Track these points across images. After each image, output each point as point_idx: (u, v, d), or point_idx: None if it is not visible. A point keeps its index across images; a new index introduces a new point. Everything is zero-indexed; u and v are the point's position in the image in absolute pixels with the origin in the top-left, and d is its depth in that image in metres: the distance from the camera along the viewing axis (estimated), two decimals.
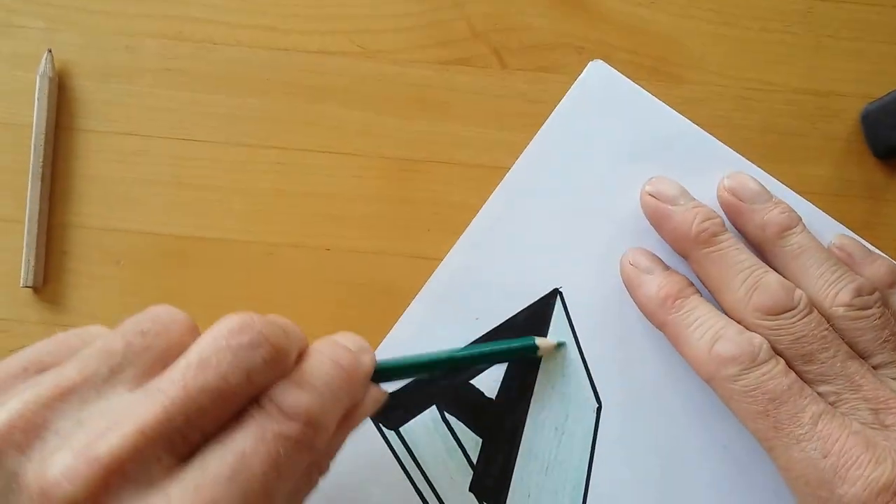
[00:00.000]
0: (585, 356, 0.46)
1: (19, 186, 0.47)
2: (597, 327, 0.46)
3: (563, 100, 0.47)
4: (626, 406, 0.45)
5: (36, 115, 0.47)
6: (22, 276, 0.47)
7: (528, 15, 0.49)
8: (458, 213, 0.47)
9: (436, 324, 0.46)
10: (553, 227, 0.47)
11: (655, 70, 0.48)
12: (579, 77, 0.48)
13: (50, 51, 0.48)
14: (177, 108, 0.48)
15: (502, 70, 0.49)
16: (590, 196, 0.47)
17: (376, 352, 0.45)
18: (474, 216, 0.47)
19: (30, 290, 0.47)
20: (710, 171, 0.46)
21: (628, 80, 0.47)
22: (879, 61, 0.48)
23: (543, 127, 0.47)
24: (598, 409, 0.45)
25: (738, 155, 0.46)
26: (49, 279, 0.47)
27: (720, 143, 0.47)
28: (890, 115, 0.46)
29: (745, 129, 0.48)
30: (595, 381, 0.45)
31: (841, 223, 0.45)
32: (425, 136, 0.48)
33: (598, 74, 0.48)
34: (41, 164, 0.47)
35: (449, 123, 0.48)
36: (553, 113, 0.47)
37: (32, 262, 0.46)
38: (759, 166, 0.47)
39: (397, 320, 0.46)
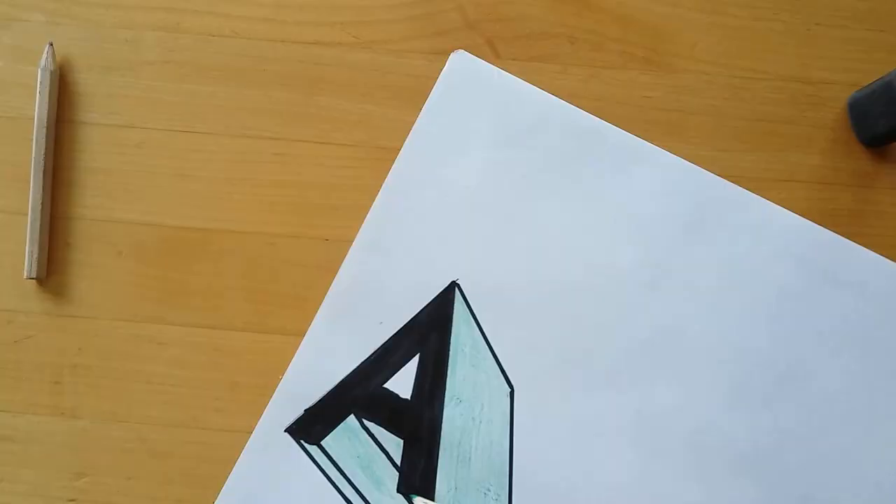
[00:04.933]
0: (491, 343, 0.46)
1: (22, 179, 0.48)
2: (499, 313, 0.47)
3: (430, 95, 0.48)
4: (538, 385, 0.46)
5: (38, 107, 0.48)
6: (26, 268, 0.47)
7: (521, 4, 0.50)
8: None
9: (340, 336, 0.47)
10: (441, 222, 0.47)
11: (647, 59, 0.49)
12: (443, 70, 0.48)
13: (51, 44, 0.49)
14: (176, 101, 0.49)
15: (496, 59, 0.49)
16: (472, 185, 0.47)
17: (288, 372, 0.46)
18: None
19: (34, 281, 0.48)
20: (584, 147, 0.47)
21: (493, 66, 0.48)
22: (867, 49, 0.49)
23: (414, 127, 0.48)
24: (511, 393, 0.46)
25: (607, 124, 0.47)
26: (52, 270, 0.48)
27: (588, 114, 0.47)
28: (876, 103, 0.46)
29: (735, 117, 0.48)
30: (504, 367, 0.46)
31: (827, 211, 0.47)
32: None
33: (461, 65, 0.48)
34: (43, 156, 0.48)
35: None
36: (422, 109, 0.48)
37: (36, 254, 0.47)
38: (749, 154, 0.48)
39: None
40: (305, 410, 0.46)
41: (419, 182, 0.47)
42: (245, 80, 0.49)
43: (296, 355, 0.46)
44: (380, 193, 0.47)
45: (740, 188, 0.47)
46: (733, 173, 0.47)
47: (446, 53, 0.49)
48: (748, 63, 0.49)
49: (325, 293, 0.47)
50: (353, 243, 0.47)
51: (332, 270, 0.47)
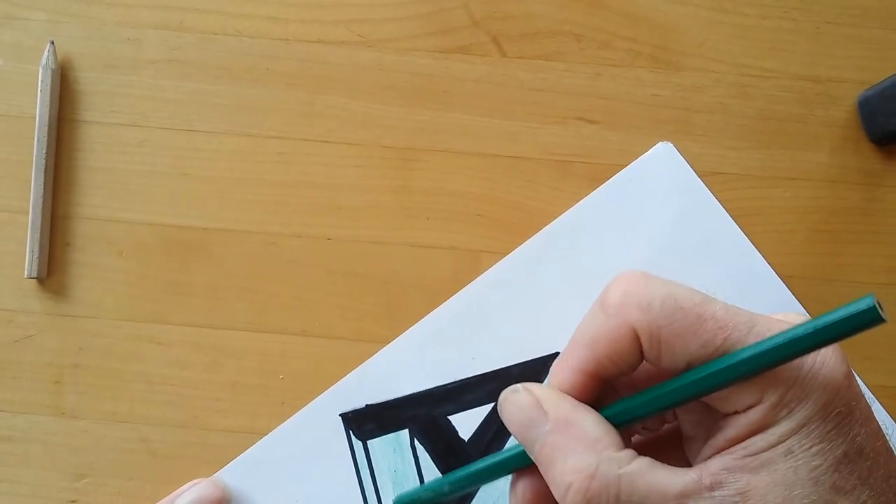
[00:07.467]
0: None
1: (23, 178, 0.48)
2: None
3: (621, 171, 0.47)
4: None
5: (39, 106, 0.48)
6: (26, 267, 0.47)
7: (527, 2, 0.49)
8: (457, 202, 0.48)
9: (432, 350, 0.46)
10: (570, 293, 0.46)
11: (654, 58, 0.49)
12: (644, 154, 0.48)
13: (52, 42, 0.48)
14: (179, 99, 0.49)
15: (502, 58, 0.49)
16: (615, 273, 0.46)
17: (370, 361, 0.46)
18: (473, 204, 0.47)
19: (34, 280, 0.47)
20: (743, 282, 0.46)
21: (691, 169, 0.47)
22: (877, 47, 0.48)
23: (594, 192, 0.47)
24: None
25: (772, 271, 0.46)
26: (53, 270, 0.48)
27: (760, 255, 0.46)
28: (886, 101, 0.46)
29: (743, 115, 0.48)
30: None
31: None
32: (425, 125, 0.48)
33: (663, 156, 0.48)
34: (44, 155, 0.47)
35: (449, 112, 0.48)
36: (609, 181, 0.47)
37: (36, 253, 0.47)
38: (757, 152, 0.47)
39: (396, 310, 0.47)
40: (367, 405, 0.45)
41: (572, 245, 0.47)
42: (248, 79, 0.49)
43: (379, 352, 0.46)
44: (529, 241, 0.47)
45: None
46: (741, 171, 0.47)
47: (452, 52, 0.49)
48: (757, 61, 0.48)
49: (327, 292, 0.47)
50: (484, 273, 0.47)
51: (334, 269, 0.47)
